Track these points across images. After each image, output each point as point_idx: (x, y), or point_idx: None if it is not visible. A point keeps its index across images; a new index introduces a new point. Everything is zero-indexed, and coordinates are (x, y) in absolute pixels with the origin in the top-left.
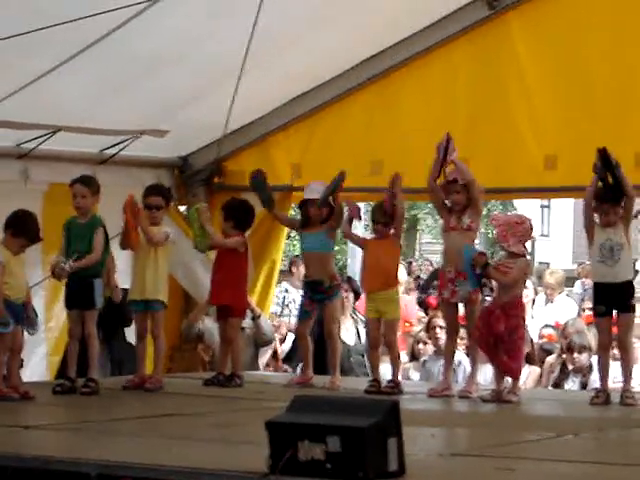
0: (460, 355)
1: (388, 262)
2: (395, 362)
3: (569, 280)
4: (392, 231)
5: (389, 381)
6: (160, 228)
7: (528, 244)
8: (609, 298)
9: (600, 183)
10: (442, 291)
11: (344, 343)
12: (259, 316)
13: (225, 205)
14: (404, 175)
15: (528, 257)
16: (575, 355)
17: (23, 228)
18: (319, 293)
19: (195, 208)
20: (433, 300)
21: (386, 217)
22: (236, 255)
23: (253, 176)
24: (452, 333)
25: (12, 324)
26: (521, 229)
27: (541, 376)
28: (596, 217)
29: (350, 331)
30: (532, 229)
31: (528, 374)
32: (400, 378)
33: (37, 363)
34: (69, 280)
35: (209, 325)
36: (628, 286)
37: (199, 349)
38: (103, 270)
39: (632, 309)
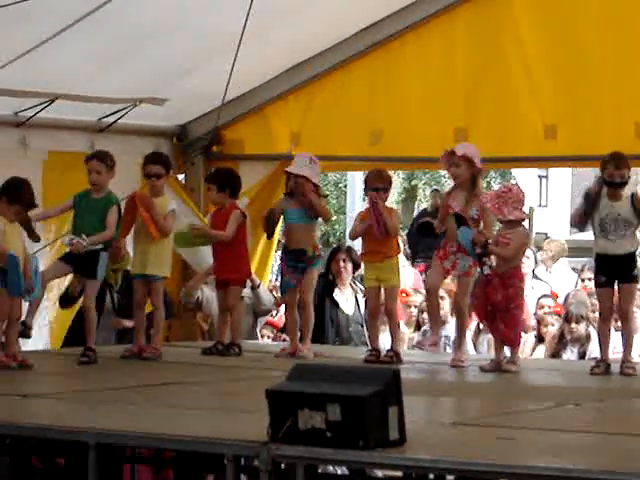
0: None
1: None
2: (394, 331)
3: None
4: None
5: (388, 350)
6: (165, 201)
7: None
8: (611, 269)
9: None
10: (443, 262)
11: (343, 312)
12: (258, 286)
13: (214, 176)
14: (404, 145)
15: (526, 225)
16: (573, 325)
17: (18, 195)
18: (301, 262)
19: (182, 233)
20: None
21: (379, 183)
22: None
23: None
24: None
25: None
26: (510, 195)
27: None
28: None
29: (349, 301)
30: (523, 193)
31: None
32: (404, 347)
33: (38, 332)
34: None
35: (208, 294)
36: (631, 257)
37: (197, 317)
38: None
39: (635, 279)
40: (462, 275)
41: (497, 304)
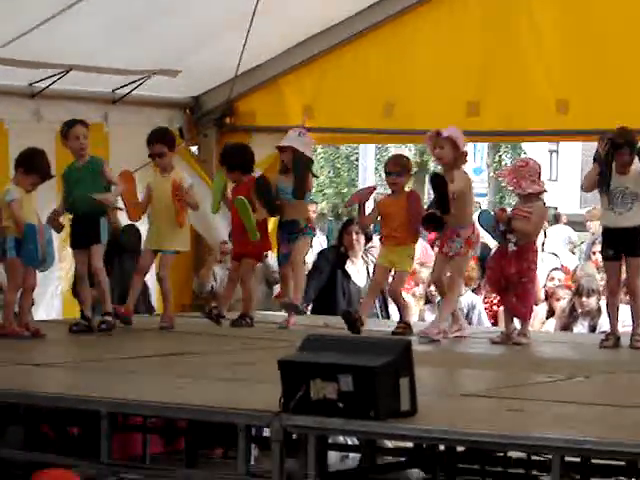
0: (472, 297)
1: (407, 215)
2: (402, 307)
3: (577, 224)
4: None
5: (399, 322)
6: (179, 174)
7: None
8: (618, 242)
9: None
10: (441, 247)
11: (355, 284)
12: (266, 255)
13: (222, 156)
14: (416, 118)
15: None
16: (584, 299)
17: (34, 165)
18: (294, 233)
19: (220, 174)
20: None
21: (393, 167)
22: (252, 202)
23: (257, 181)
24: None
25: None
26: (528, 169)
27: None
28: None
29: (361, 272)
30: (539, 166)
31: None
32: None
33: (50, 302)
34: (75, 220)
35: (220, 275)
36: (638, 231)
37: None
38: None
39: None
40: (454, 256)
41: (510, 277)
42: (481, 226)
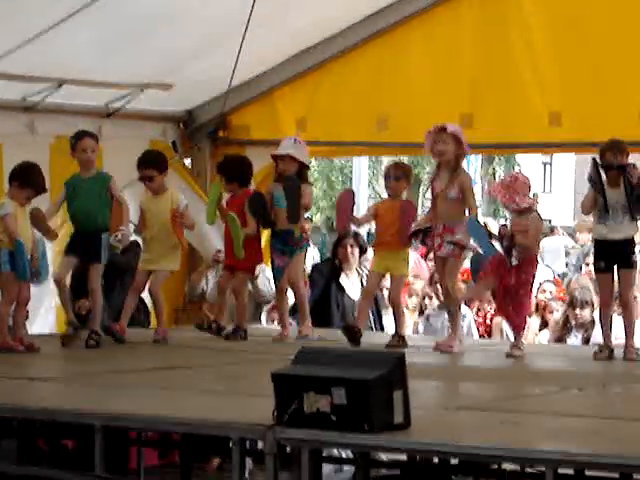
0: (463, 307)
1: (400, 222)
2: (399, 317)
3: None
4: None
5: (394, 335)
6: (171, 197)
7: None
8: (610, 255)
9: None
10: (435, 248)
11: (349, 297)
12: (257, 276)
13: (222, 166)
14: (409, 130)
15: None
16: (577, 311)
17: (29, 179)
18: (288, 245)
19: (216, 186)
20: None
21: (393, 171)
22: (244, 215)
23: (252, 196)
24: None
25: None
26: (518, 184)
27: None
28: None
29: (355, 285)
30: (528, 179)
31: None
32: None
33: (45, 315)
34: (75, 234)
35: (212, 282)
36: (629, 243)
37: (204, 308)
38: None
39: (634, 265)
40: (449, 256)
41: (509, 288)
42: (470, 234)
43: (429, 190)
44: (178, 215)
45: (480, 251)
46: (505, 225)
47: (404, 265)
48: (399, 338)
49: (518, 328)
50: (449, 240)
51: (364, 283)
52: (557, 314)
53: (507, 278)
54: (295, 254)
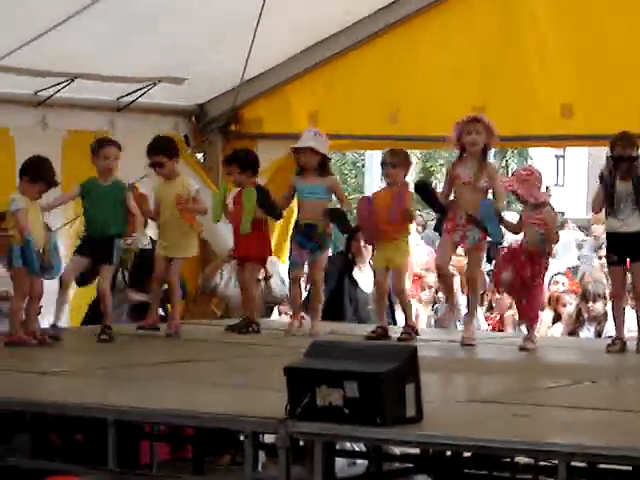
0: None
1: (396, 211)
2: (405, 307)
3: (584, 229)
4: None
5: (404, 327)
6: (182, 182)
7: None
8: (622, 247)
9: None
10: (452, 235)
11: (362, 291)
12: (270, 277)
13: (235, 157)
14: (422, 123)
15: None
16: (590, 304)
17: (40, 173)
18: (311, 240)
19: (224, 187)
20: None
21: (390, 158)
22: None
23: (257, 189)
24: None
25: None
26: (532, 178)
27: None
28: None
29: (368, 279)
30: (540, 173)
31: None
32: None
33: None
34: (88, 237)
35: (226, 276)
36: None
37: (212, 302)
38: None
39: None
40: (472, 248)
41: (525, 280)
42: (482, 214)
43: (448, 178)
44: (182, 200)
45: (488, 232)
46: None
47: (403, 255)
48: (410, 328)
49: (532, 320)
50: (476, 232)
51: None
52: (570, 307)
53: (522, 271)
54: (318, 253)
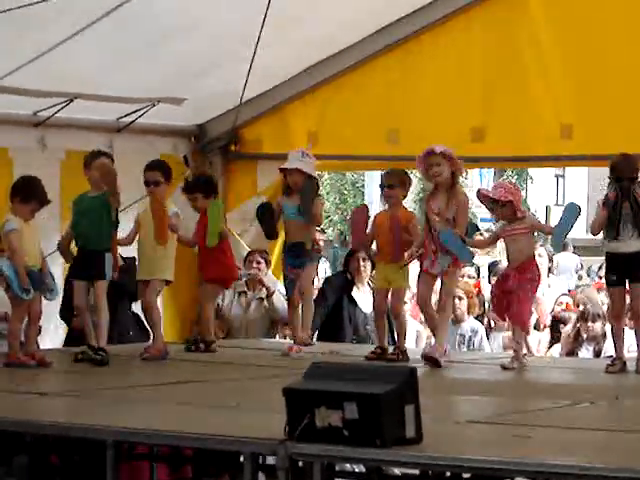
0: (474, 322)
1: (392, 234)
2: (400, 330)
3: (586, 250)
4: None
5: (394, 348)
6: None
7: (542, 214)
8: (621, 268)
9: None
10: (423, 261)
11: (361, 311)
12: (273, 293)
13: (196, 185)
14: (421, 144)
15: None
16: (589, 324)
17: (31, 192)
18: (299, 257)
19: (218, 205)
20: None
21: (388, 180)
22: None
23: (260, 207)
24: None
25: (32, 292)
26: (518, 192)
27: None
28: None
29: (367, 299)
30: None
31: (539, 342)
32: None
33: (54, 331)
34: (79, 253)
35: (228, 300)
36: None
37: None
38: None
39: None
40: (442, 274)
41: (509, 289)
42: (447, 244)
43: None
44: (160, 205)
45: (459, 259)
46: None
47: (402, 277)
48: (398, 351)
49: (522, 324)
50: (447, 259)
51: None
52: (569, 326)
53: (507, 283)
54: (306, 265)
